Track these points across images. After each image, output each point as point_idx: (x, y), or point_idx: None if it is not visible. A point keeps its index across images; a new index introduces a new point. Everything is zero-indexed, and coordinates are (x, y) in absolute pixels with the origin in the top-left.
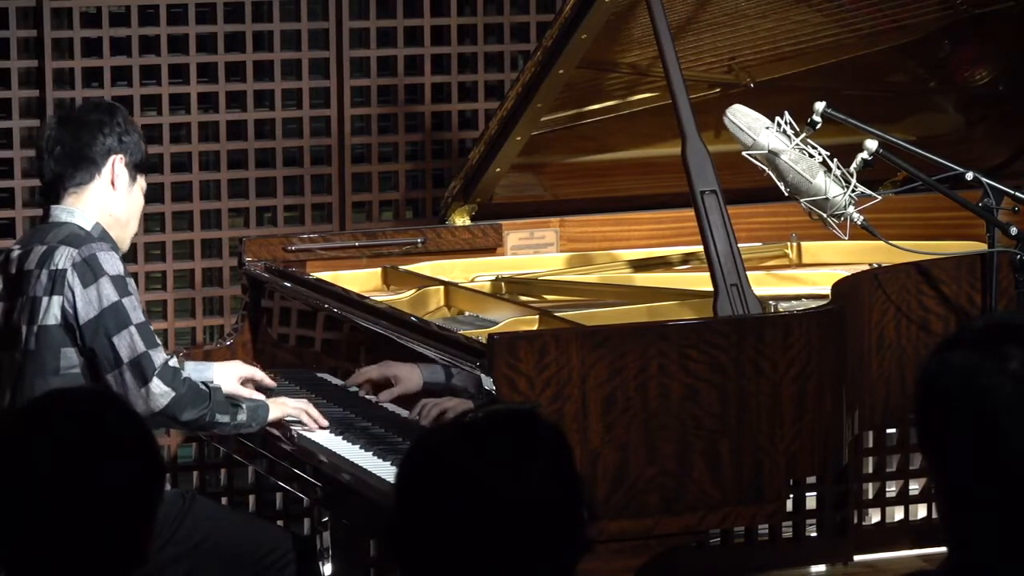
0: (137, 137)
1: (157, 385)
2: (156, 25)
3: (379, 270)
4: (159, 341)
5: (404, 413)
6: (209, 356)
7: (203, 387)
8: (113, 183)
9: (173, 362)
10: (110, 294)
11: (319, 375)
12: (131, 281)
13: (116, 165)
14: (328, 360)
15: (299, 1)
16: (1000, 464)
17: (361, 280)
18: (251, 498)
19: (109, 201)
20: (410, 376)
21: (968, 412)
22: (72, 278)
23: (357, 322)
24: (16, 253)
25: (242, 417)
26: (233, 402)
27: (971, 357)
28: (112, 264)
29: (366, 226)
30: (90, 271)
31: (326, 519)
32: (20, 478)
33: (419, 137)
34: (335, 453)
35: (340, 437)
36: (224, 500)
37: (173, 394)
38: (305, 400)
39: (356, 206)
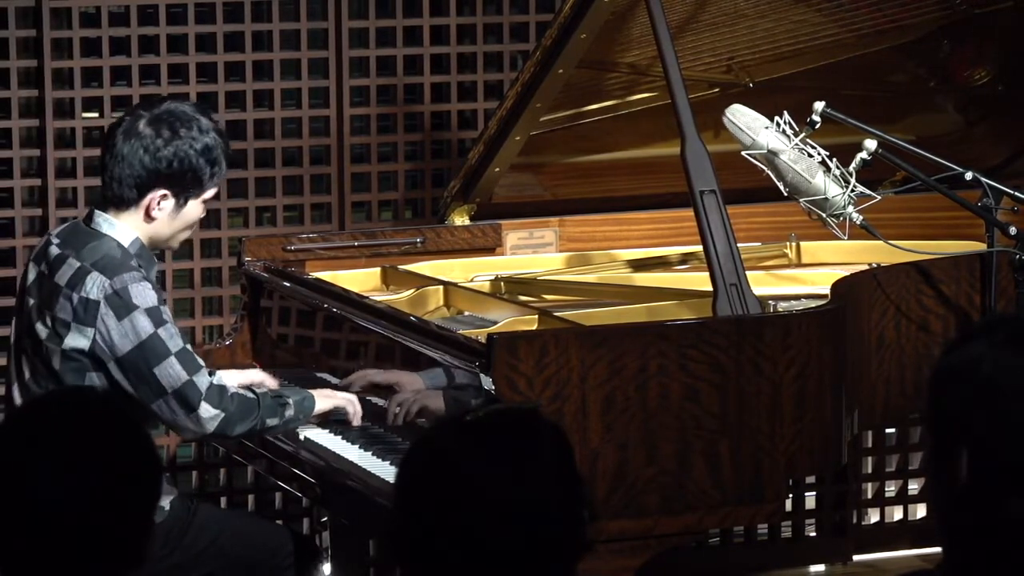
0: (193, 157)
1: (206, 409)
2: (155, 25)
3: (378, 270)
4: (201, 362)
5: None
6: (209, 356)
7: (251, 395)
8: (149, 214)
9: (218, 379)
10: (145, 326)
11: (318, 375)
12: (165, 309)
13: (154, 201)
14: (327, 360)
15: (298, 1)
16: (1004, 463)
17: (360, 280)
18: (251, 498)
19: (146, 227)
20: (412, 384)
21: (981, 407)
22: (105, 310)
23: (356, 322)
24: (54, 252)
25: (290, 413)
26: (280, 401)
27: (986, 352)
28: (144, 296)
29: (365, 226)
30: (123, 304)
31: (326, 519)
32: (16, 479)
33: (418, 137)
34: (334, 453)
35: (339, 437)
36: (224, 500)
37: (223, 415)
38: (353, 396)
39: (355, 206)
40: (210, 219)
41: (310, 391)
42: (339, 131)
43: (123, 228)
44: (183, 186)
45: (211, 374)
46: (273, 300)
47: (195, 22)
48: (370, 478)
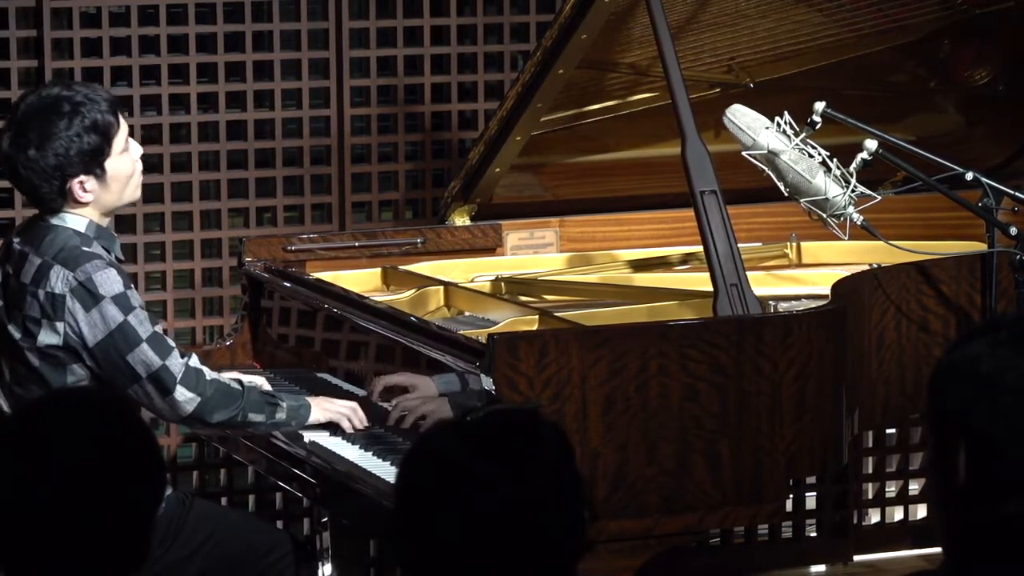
0: (77, 141)
1: (182, 392)
2: (156, 25)
3: (379, 270)
4: (173, 344)
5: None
6: (209, 356)
7: (235, 386)
8: (81, 201)
9: (194, 362)
10: (115, 315)
11: (319, 375)
12: (132, 293)
13: (74, 189)
14: (328, 360)
15: (299, 1)
16: (1004, 462)
17: (361, 280)
18: (251, 498)
19: (90, 208)
20: (425, 389)
21: (980, 406)
22: (72, 303)
23: (357, 322)
24: (16, 249)
25: (281, 416)
26: (271, 400)
27: (986, 350)
28: (109, 284)
29: (366, 226)
30: (89, 295)
31: (326, 519)
32: (19, 479)
33: (419, 137)
34: (335, 453)
35: (340, 437)
36: (224, 500)
37: (199, 399)
38: (354, 403)
39: (356, 206)
40: (211, 219)
41: (308, 400)
42: (339, 131)
43: (72, 217)
44: (88, 166)
45: (183, 355)
46: (274, 300)
47: (196, 22)
48: (370, 478)
